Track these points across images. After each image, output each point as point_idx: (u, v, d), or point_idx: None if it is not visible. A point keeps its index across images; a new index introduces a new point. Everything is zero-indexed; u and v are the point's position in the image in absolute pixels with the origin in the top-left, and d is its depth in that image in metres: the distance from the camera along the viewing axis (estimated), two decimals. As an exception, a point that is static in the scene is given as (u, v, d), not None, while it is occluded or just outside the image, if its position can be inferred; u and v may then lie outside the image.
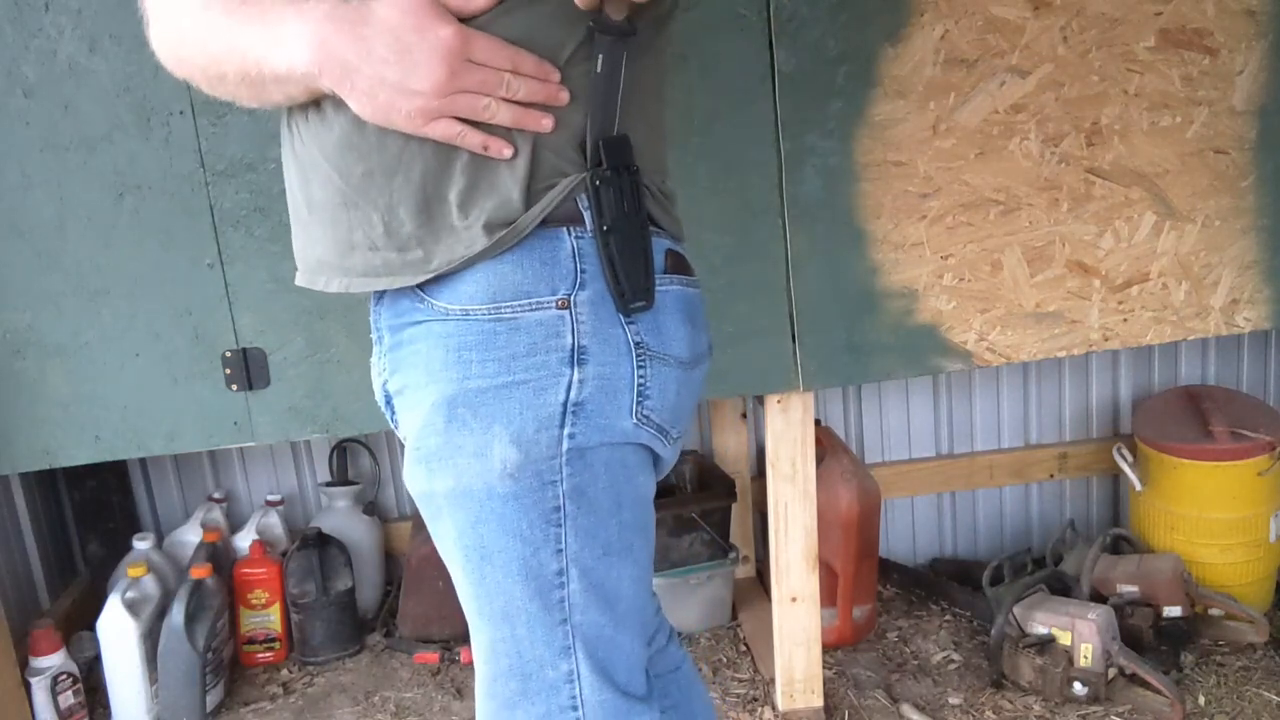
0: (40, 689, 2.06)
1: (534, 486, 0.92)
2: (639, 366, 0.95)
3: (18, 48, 1.68)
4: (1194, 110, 1.84)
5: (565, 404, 0.92)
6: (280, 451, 2.57)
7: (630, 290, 0.94)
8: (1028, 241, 1.86)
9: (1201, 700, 2.02)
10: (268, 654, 2.36)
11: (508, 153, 0.88)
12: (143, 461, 2.52)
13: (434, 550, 2.47)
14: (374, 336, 1.03)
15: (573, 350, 0.92)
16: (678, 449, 1.03)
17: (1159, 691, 1.96)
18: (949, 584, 2.44)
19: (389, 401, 1.02)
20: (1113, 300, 1.90)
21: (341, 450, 2.55)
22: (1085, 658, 2.00)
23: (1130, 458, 2.37)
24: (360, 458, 2.59)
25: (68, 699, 2.10)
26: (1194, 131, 1.86)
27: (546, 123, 0.89)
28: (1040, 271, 1.87)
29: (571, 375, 0.92)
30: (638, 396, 0.95)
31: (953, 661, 2.22)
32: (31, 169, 1.72)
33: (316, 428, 1.86)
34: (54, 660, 2.09)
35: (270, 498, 2.50)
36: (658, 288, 0.96)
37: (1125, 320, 1.92)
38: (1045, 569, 2.25)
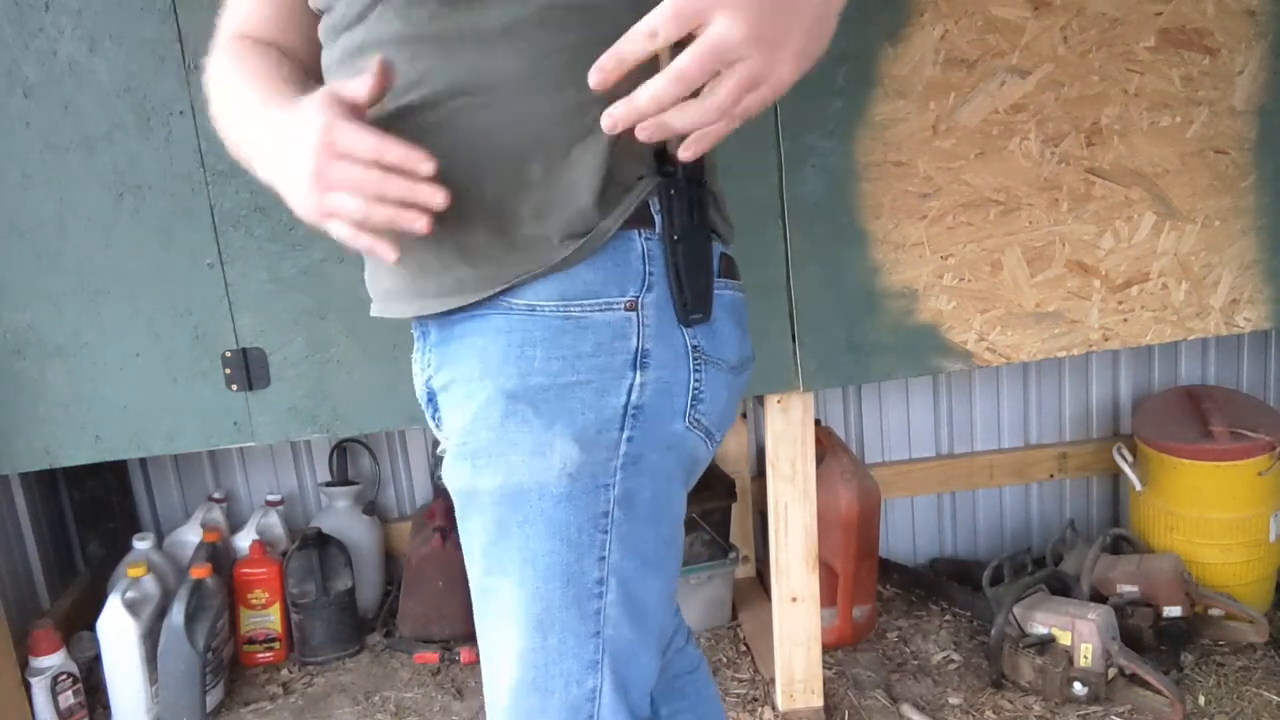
0: (40, 689, 2.06)
1: (588, 488, 0.91)
2: (695, 370, 0.94)
3: (18, 48, 1.68)
4: (1194, 110, 1.84)
5: (626, 406, 0.91)
6: (280, 451, 2.57)
7: (692, 299, 0.93)
8: (1028, 241, 1.86)
9: (1201, 700, 2.02)
10: (268, 654, 2.36)
11: (390, 257, 0.83)
12: (143, 461, 2.52)
13: (434, 550, 2.48)
14: (416, 332, 1.01)
15: (636, 353, 0.91)
16: (719, 444, 1.03)
17: (1159, 691, 1.96)
18: (949, 584, 2.44)
19: (431, 398, 1.00)
20: (1113, 300, 1.90)
21: (341, 450, 2.55)
22: (1085, 658, 2.00)
23: (1130, 458, 2.37)
24: (360, 458, 2.59)
25: (68, 699, 2.10)
26: (1194, 131, 1.86)
27: (420, 225, 0.81)
28: (1040, 271, 1.87)
29: (634, 378, 0.91)
30: (692, 400, 0.94)
31: (953, 661, 2.22)
32: (31, 169, 1.72)
33: (316, 428, 1.86)
34: (54, 660, 2.09)
35: (270, 498, 2.50)
36: (715, 291, 0.96)
37: (1125, 320, 1.92)
38: (1045, 569, 2.25)
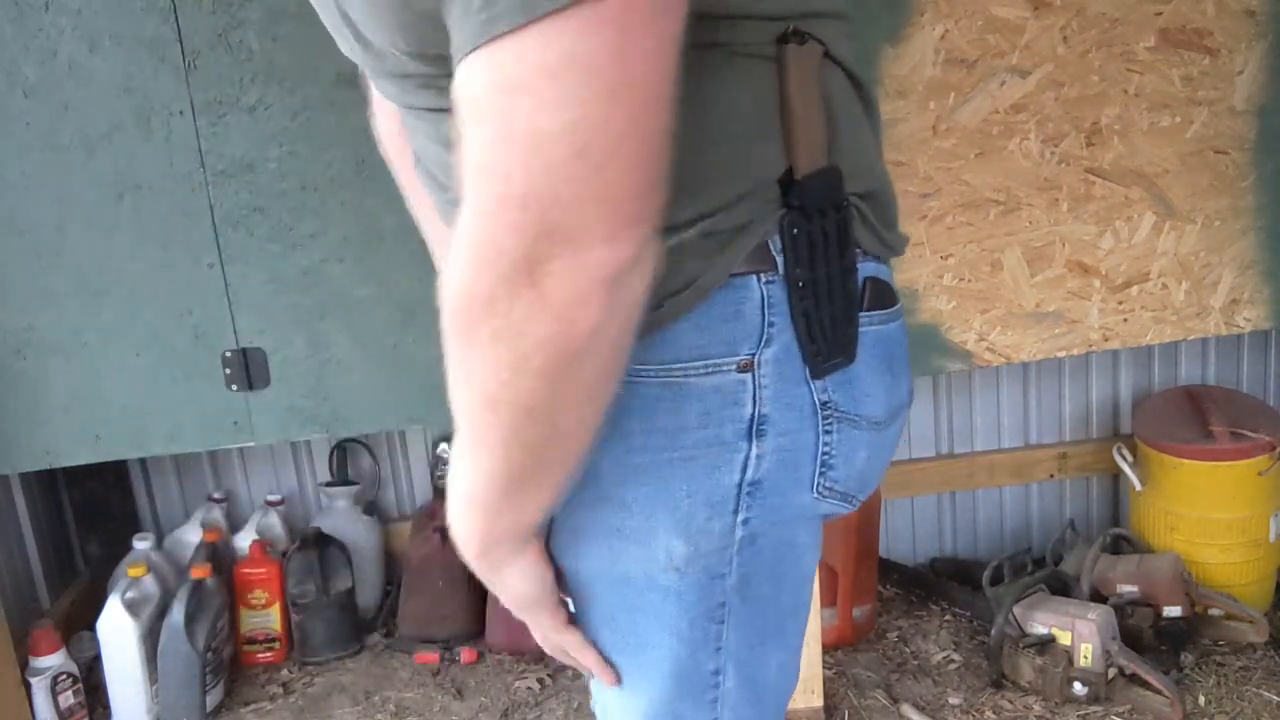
0: (40, 689, 2.06)
1: (700, 582, 0.80)
2: (825, 432, 0.79)
3: (18, 48, 1.68)
4: (1194, 110, 1.84)
5: (740, 485, 0.78)
6: (280, 451, 2.57)
7: (827, 348, 0.78)
8: (1028, 241, 1.86)
9: (1201, 700, 2.02)
10: (268, 654, 2.36)
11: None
12: (143, 461, 2.52)
13: (434, 550, 2.48)
14: None
15: (752, 420, 0.77)
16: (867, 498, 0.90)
17: (1159, 691, 1.96)
18: (949, 584, 2.44)
19: None
20: (1113, 300, 1.90)
21: (341, 450, 2.55)
22: (1085, 658, 2.00)
23: (1130, 458, 2.37)
24: (360, 458, 2.59)
25: (68, 699, 2.10)
26: (1194, 131, 1.86)
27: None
28: (1040, 271, 1.87)
29: (749, 451, 0.77)
30: (821, 467, 0.80)
31: (953, 661, 2.22)
32: (31, 169, 1.73)
33: (316, 428, 1.86)
34: (54, 660, 2.08)
35: (270, 498, 2.50)
36: (859, 328, 0.80)
37: (1125, 320, 1.92)
38: (1045, 569, 2.25)
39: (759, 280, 0.75)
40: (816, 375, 0.78)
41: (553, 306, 0.61)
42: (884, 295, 0.82)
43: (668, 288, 0.73)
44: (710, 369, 0.76)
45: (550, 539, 0.84)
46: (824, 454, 0.80)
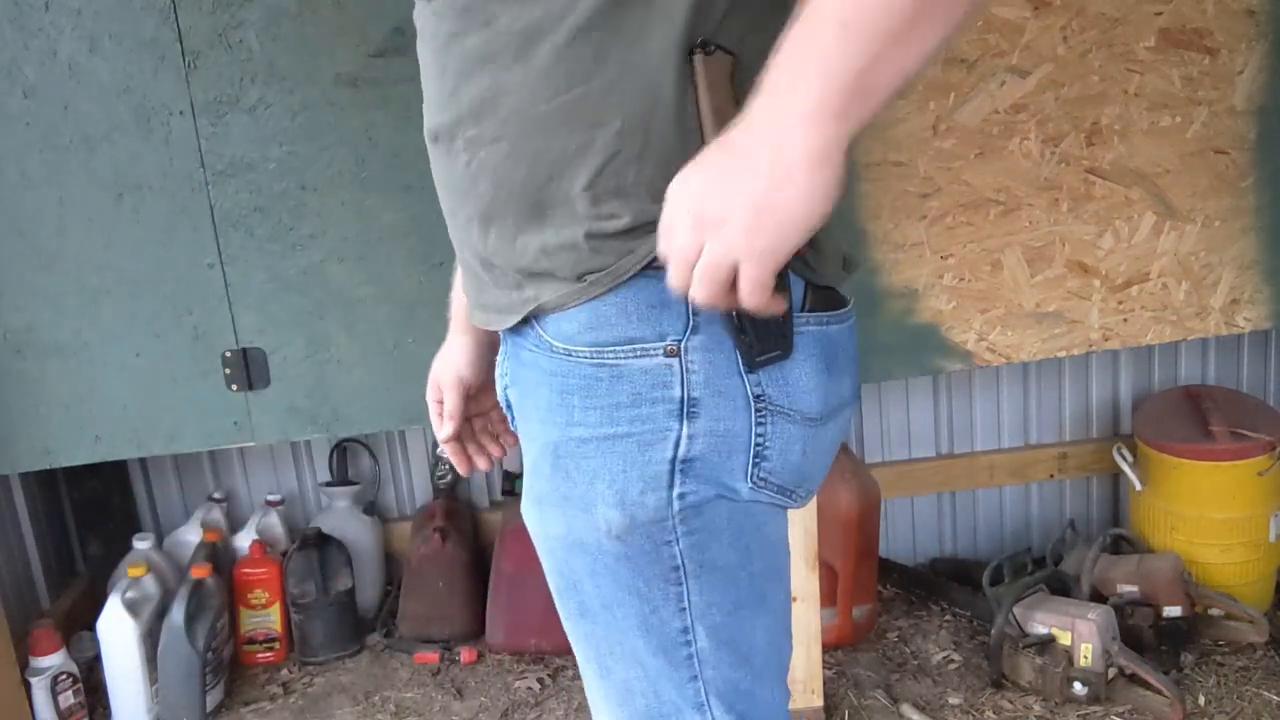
0: (40, 689, 2.06)
1: (646, 549, 0.85)
2: (758, 424, 0.84)
3: (17, 48, 1.68)
4: (1194, 110, 1.84)
5: (673, 461, 0.83)
6: (280, 451, 2.57)
7: (758, 341, 0.82)
8: (1028, 241, 1.86)
9: (1201, 700, 2.02)
10: (268, 654, 2.36)
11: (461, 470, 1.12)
12: (143, 461, 2.52)
13: (434, 550, 2.48)
14: (501, 334, 0.96)
15: (682, 402, 0.82)
16: (811, 497, 0.94)
17: (1159, 691, 1.96)
18: (949, 584, 2.44)
19: (508, 405, 0.98)
20: (1113, 300, 1.90)
21: (341, 450, 2.55)
22: (1085, 658, 2.00)
23: (1130, 458, 2.37)
24: (360, 458, 2.59)
25: (68, 699, 2.10)
26: (1194, 131, 1.86)
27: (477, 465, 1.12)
28: (1040, 271, 1.88)
29: (680, 430, 0.83)
30: (754, 457, 0.85)
31: (953, 661, 2.22)
32: (31, 169, 1.73)
33: (316, 428, 1.86)
34: (54, 660, 2.08)
35: (270, 498, 2.50)
36: (798, 329, 0.84)
37: (1125, 320, 1.92)
38: (1045, 569, 2.25)
39: None
40: (750, 367, 0.83)
41: None
42: (828, 299, 0.87)
43: (591, 264, 0.81)
44: (639, 353, 0.82)
45: (524, 501, 0.92)
46: (757, 444, 0.85)
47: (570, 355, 0.84)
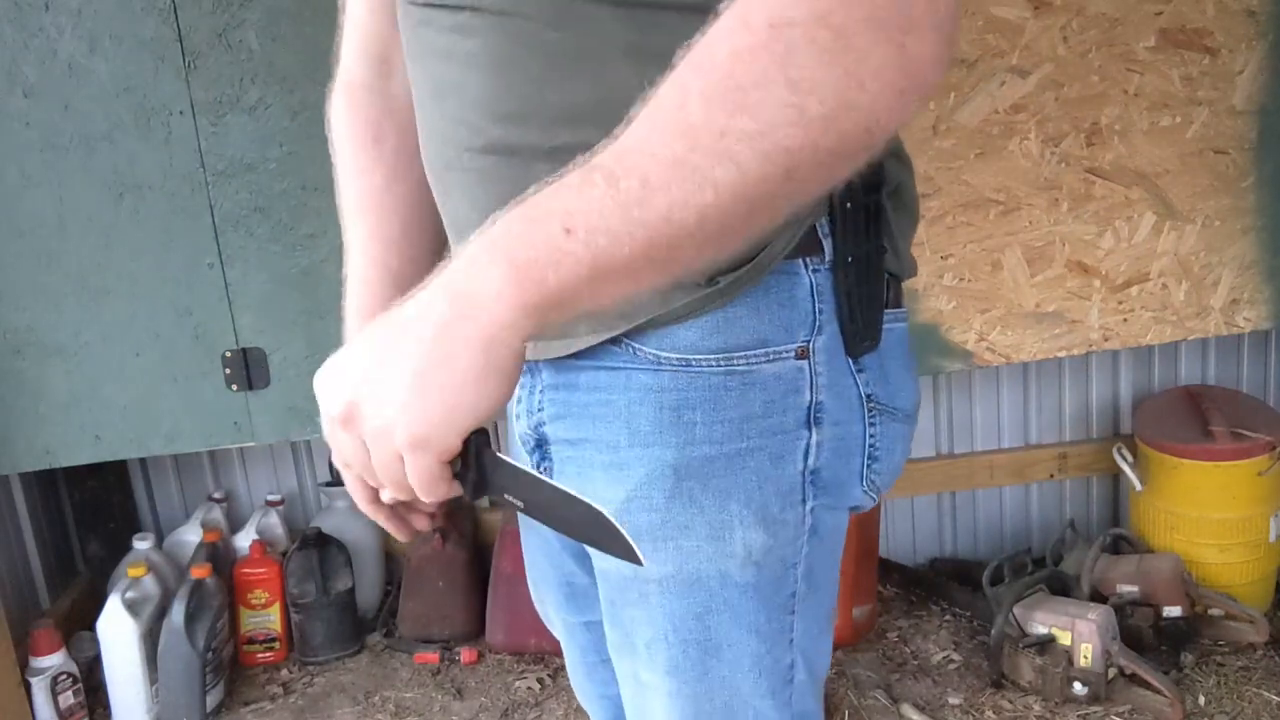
0: (40, 689, 2.06)
1: (776, 574, 0.79)
2: (870, 424, 0.80)
3: (18, 48, 1.69)
4: (1194, 110, 1.85)
5: (804, 473, 0.78)
6: (280, 451, 2.57)
7: (864, 329, 0.77)
8: (1028, 241, 1.86)
9: (1201, 700, 2.02)
10: (268, 654, 2.36)
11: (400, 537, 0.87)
12: (143, 461, 2.52)
13: (434, 550, 2.48)
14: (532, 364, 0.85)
15: (810, 408, 0.77)
16: None
17: (1159, 691, 1.95)
18: (949, 584, 2.44)
19: (541, 445, 0.83)
20: (1113, 300, 1.91)
21: (341, 450, 2.54)
22: (1085, 658, 2.00)
23: (1130, 458, 2.37)
24: (360, 458, 2.59)
25: (68, 699, 2.10)
26: (1194, 131, 1.86)
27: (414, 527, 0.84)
28: (1040, 271, 1.88)
29: (810, 438, 0.77)
30: (868, 459, 0.81)
31: (953, 661, 2.22)
32: (31, 169, 1.73)
33: (316, 428, 1.86)
34: (54, 660, 2.08)
35: (270, 498, 2.50)
36: (884, 324, 0.80)
37: (1125, 320, 1.92)
38: (1045, 569, 2.25)
39: (806, 266, 0.75)
40: (854, 355, 0.78)
41: (911, 59, 0.57)
42: (899, 295, 0.83)
43: (726, 262, 0.72)
44: (771, 356, 0.75)
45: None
46: (870, 446, 0.80)
47: (689, 366, 0.75)
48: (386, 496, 0.72)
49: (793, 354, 0.76)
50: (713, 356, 0.74)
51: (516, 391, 0.81)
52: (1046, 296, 1.88)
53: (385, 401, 0.63)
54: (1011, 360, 1.91)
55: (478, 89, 0.74)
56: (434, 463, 0.64)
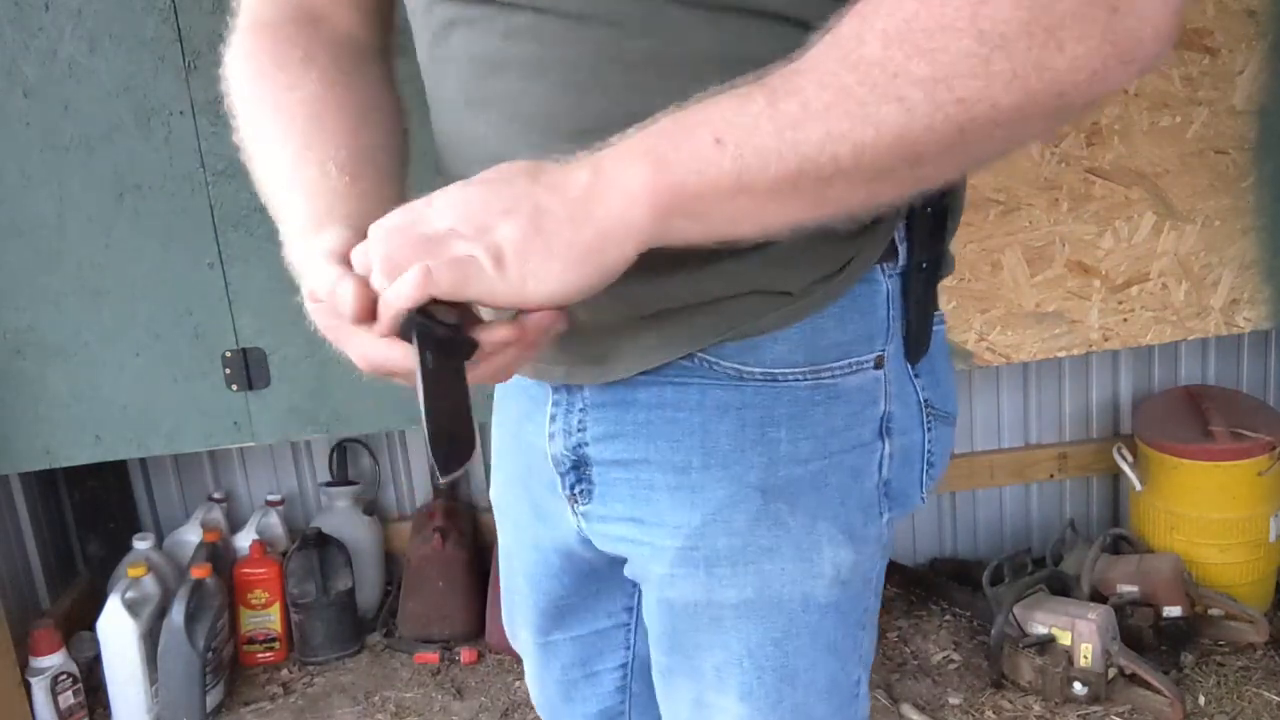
0: (40, 689, 2.06)
1: (856, 591, 0.77)
2: (928, 429, 0.78)
3: (17, 48, 1.69)
4: (1194, 110, 1.85)
5: (879, 485, 0.76)
6: (280, 451, 2.57)
7: (920, 332, 0.75)
8: (1028, 241, 1.86)
9: (1201, 700, 2.02)
10: (268, 654, 2.36)
11: None
12: (143, 461, 2.52)
13: (434, 550, 2.47)
14: (544, 390, 0.80)
15: (882, 418, 0.74)
16: None
17: (1159, 691, 1.95)
18: (949, 584, 2.44)
19: (577, 467, 0.79)
20: (1113, 300, 1.91)
21: (341, 450, 2.55)
22: (1085, 658, 2.00)
23: (1130, 458, 2.37)
24: (360, 458, 2.59)
25: (68, 699, 2.10)
26: (1194, 131, 1.86)
27: None
28: (1040, 271, 1.88)
29: (883, 449, 0.75)
30: (926, 465, 0.79)
31: (953, 661, 2.22)
32: (31, 169, 1.73)
33: (316, 428, 1.86)
34: (54, 660, 2.08)
35: (270, 498, 2.50)
36: (933, 326, 0.78)
37: (1125, 320, 1.92)
38: (1045, 569, 2.25)
39: (884, 273, 0.72)
40: (913, 361, 0.76)
41: (1122, 26, 0.53)
42: (938, 296, 0.81)
43: (819, 271, 0.69)
44: (854, 367, 0.73)
45: (671, 568, 0.76)
46: (929, 452, 0.79)
47: (775, 381, 0.71)
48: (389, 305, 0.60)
49: (871, 364, 0.73)
50: (800, 370, 0.71)
51: (547, 409, 0.79)
52: (1046, 296, 1.88)
53: (491, 229, 0.58)
54: (1011, 360, 1.91)
55: (540, 102, 0.68)
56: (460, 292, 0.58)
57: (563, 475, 0.80)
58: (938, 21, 0.53)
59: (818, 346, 0.71)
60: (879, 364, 0.73)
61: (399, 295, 0.57)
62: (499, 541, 0.98)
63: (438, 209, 0.60)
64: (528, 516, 0.89)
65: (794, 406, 0.71)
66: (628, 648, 0.95)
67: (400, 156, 0.78)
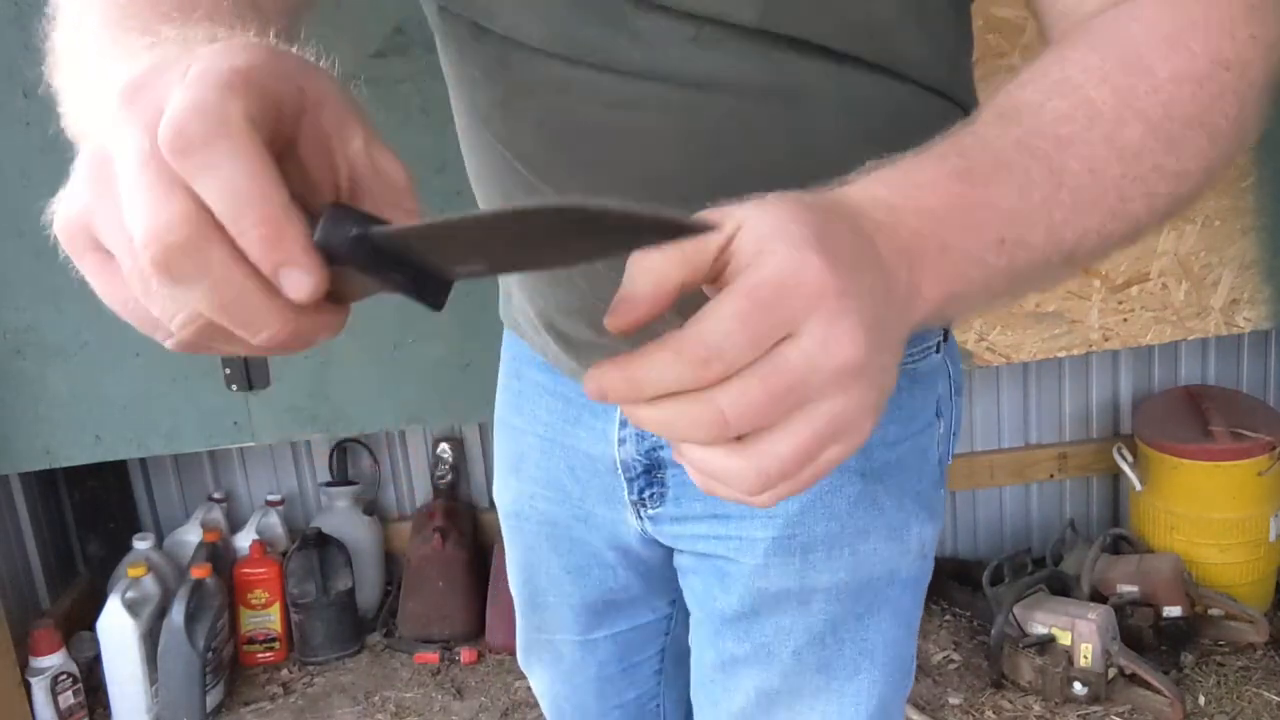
0: (40, 689, 2.06)
1: (928, 566, 0.81)
2: (955, 403, 0.81)
3: (17, 47, 1.69)
4: (1194, 110, 1.85)
5: (939, 461, 0.79)
6: (280, 451, 2.57)
7: None
8: (1028, 241, 1.86)
9: (1201, 700, 2.02)
10: (268, 654, 2.36)
11: None
12: (143, 461, 2.52)
13: (434, 550, 2.47)
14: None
15: (938, 398, 0.78)
16: None
17: (1159, 691, 1.96)
18: (949, 584, 2.44)
19: (649, 471, 0.79)
20: (1113, 300, 1.91)
21: (341, 450, 2.55)
22: (1085, 658, 2.00)
23: (1130, 458, 2.37)
24: (360, 458, 2.59)
25: (68, 699, 2.10)
26: (1194, 131, 1.86)
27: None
28: (1040, 271, 1.88)
29: (940, 426, 0.78)
30: (952, 435, 0.82)
31: (953, 661, 2.22)
32: (31, 169, 1.73)
33: (316, 428, 1.86)
34: (54, 660, 2.08)
35: (270, 498, 2.50)
36: None
37: (1125, 320, 1.92)
38: (1045, 569, 2.25)
39: None
40: (945, 340, 0.79)
41: None
42: None
43: None
44: (926, 351, 0.76)
45: (770, 557, 0.76)
46: (956, 423, 0.82)
47: None
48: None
49: (935, 346, 0.77)
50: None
51: (617, 414, 0.77)
52: (1046, 296, 1.88)
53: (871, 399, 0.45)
54: (1011, 360, 1.91)
55: (654, 167, 0.64)
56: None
57: (631, 480, 0.80)
58: (1186, 113, 0.51)
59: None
60: (939, 348, 0.77)
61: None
62: (513, 551, 0.96)
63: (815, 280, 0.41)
64: (567, 518, 0.88)
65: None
66: (666, 634, 0.96)
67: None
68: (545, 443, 0.87)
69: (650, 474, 0.80)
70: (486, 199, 0.78)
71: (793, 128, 0.63)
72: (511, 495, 0.92)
